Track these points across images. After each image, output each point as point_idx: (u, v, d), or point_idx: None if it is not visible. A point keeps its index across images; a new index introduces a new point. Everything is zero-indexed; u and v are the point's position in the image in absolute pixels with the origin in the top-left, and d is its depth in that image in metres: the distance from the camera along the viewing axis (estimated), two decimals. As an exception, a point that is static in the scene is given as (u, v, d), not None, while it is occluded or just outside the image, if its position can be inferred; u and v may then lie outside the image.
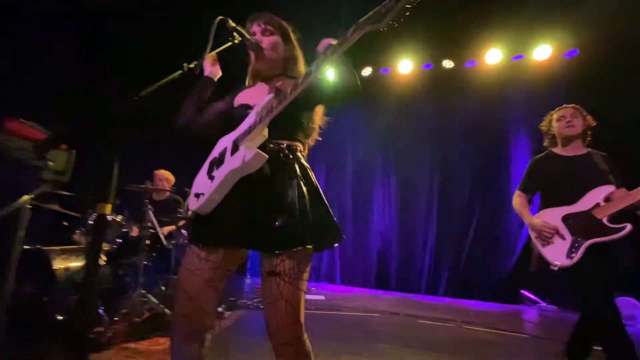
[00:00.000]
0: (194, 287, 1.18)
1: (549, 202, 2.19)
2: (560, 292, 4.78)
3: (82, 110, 3.70)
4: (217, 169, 1.22)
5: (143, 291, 2.76)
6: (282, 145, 1.22)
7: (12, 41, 3.81)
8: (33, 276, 2.38)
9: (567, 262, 1.98)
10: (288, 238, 1.12)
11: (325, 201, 1.23)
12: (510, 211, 3.78)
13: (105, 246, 2.87)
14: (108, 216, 0.87)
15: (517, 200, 2.32)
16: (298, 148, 1.27)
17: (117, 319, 2.54)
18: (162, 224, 3.27)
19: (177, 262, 3.17)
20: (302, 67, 1.39)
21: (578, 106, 2.24)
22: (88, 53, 4.40)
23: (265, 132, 1.16)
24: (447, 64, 5.80)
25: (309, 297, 1.14)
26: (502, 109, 5.66)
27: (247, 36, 1.29)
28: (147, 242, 2.95)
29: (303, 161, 1.26)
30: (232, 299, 3.87)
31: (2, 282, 1.50)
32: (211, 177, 1.21)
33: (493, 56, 5.53)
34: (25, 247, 2.24)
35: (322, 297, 4.81)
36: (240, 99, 1.36)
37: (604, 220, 1.96)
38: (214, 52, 1.27)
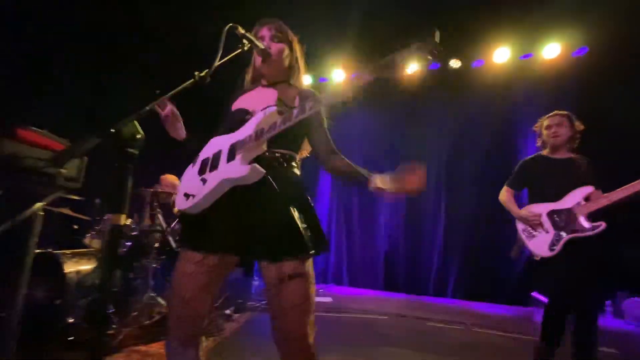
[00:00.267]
0: (189, 290, 1.18)
1: (535, 198, 2.44)
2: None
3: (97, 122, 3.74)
4: (209, 172, 1.21)
5: (153, 294, 2.79)
6: (276, 154, 1.24)
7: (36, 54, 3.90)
8: (44, 279, 2.41)
9: (549, 254, 2.20)
10: (291, 245, 1.14)
11: (315, 211, 1.26)
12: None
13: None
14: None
15: (505, 194, 2.64)
16: (292, 157, 1.30)
17: (127, 321, 2.56)
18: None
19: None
20: (302, 79, 1.44)
21: (566, 113, 2.48)
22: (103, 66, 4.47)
23: (264, 146, 1.18)
24: (454, 63, 5.75)
25: (316, 299, 1.15)
26: (510, 109, 5.57)
27: (257, 42, 1.30)
28: (157, 245, 2.97)
29: (296, 170, 1.29)
30: (240, 301, 3.88)
31: (15, 288, 1.51)
32: (203, 180, 1.21)
33: (501, 55, 5.44)
34: (37, 250, 2.26)
35: (329, 299, 4.80)
36: (240, 102, 1.37)
37: (583, 217, 2.17)
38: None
